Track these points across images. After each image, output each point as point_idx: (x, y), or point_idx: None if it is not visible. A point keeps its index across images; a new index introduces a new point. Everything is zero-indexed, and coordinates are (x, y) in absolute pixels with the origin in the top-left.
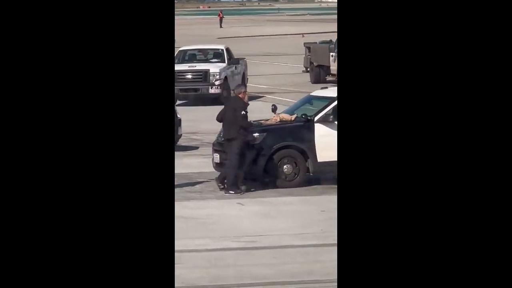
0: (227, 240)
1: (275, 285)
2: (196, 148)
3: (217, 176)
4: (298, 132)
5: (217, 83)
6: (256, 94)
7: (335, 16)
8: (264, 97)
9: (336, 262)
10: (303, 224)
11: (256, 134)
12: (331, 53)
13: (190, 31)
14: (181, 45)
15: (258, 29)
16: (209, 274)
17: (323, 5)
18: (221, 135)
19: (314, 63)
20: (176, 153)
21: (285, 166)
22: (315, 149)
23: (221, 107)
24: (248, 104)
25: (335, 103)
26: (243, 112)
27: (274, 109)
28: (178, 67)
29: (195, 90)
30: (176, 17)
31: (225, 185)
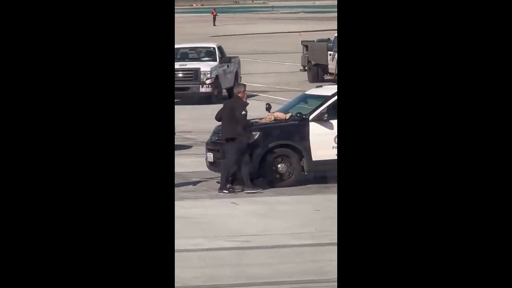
0: (222, 240)
1: (271, 285)
2: (189, 147)
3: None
4: (293, 131)
5: (208, 82)
6: (250, 92)
7: (329, 14)
8: (257, 96)
9: (331, 262)
10: (298, 223)
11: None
12: (329, 52)
13: (183, 29)
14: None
15: (252, 27)
16: (203, 274)
17: (317, 3)
18: (220, 134)
19: (312, 62)
20: None
21: (279, 165)
22: (310, 148)
23: (213, 106)
24: (248, 103)
25: (330, 101)
26: (243, 112)
27: (268, 108)
28: None
29: (186, 89)
30: None
31: (233, 184)
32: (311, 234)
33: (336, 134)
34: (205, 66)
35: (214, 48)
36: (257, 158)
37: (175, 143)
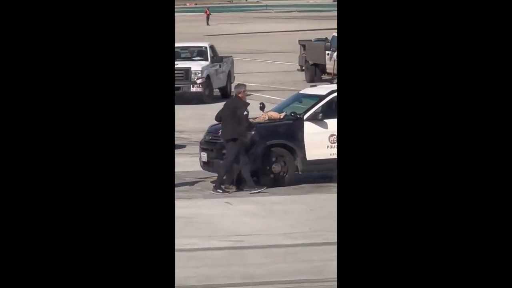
0: (215, 240)
1: (264, 285)
2: (183, 146)
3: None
4: (287, 130)
5: (198, 81)
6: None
7: (323, 13)
8: (251, 95)
9: (325, 261)
10: (291, 223)
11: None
12: (327, 51)
13: (177, 29)
14: None
15: (245, 26)
16: (197, 274)
17: (311, 2)
18: (213, 133)
19: (310, 62)
20: None
21: (273, 165)
22: (304, 147)
23: (205, 106)
24: (249, 103)
25: (324, 101)
26: (245, 113)
27: (262, 107)
28: None
29: (177, 88)
30: None
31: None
32: (305, 234)
33: (330, 133)
34: (196, 66)
35: (205, 48)
36: (251, 158)
37: None
